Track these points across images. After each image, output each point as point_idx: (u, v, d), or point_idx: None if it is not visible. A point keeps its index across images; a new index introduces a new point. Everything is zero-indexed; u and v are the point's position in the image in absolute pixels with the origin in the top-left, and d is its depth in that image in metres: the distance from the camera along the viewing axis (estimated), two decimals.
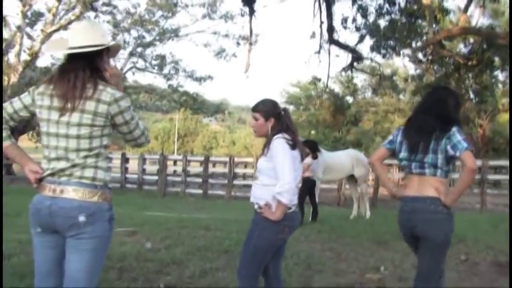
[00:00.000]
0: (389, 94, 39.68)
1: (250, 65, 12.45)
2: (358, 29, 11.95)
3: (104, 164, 2.59)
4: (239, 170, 21.34)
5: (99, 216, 2.52)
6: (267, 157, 3.37)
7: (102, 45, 2.54)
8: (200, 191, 17.34)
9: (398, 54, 13.51)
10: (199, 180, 18.01)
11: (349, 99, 43.81)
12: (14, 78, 22.86)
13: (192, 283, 4.87)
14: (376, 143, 37.82)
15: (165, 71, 25.90)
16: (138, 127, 2.66)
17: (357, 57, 12.05)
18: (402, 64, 28.29)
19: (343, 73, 15.60)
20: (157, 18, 25.05)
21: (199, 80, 26.05)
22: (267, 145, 3.40)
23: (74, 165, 2.50)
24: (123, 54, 26.70)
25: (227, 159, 18.13)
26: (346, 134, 41.49)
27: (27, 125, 23.77)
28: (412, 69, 33.71)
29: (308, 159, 9.86)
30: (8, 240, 6.45)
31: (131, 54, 25.27)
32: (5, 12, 23.27)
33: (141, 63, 25.89)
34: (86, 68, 2.49)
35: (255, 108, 3.51)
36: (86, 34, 2.52)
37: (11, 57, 24.07)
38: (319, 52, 14.53)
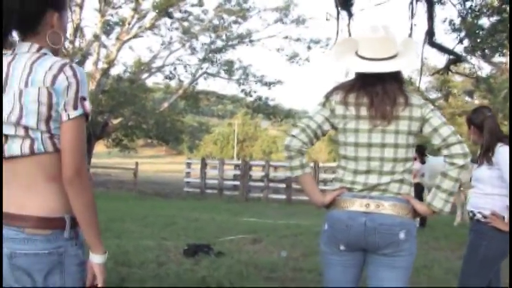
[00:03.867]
0: (455, 96, 38.65)
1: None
2: (457, 29, 11.59)
3: (412, 180, 2.42)
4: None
5: (413, 233, 2.35)
6: (490, 165, 3.32)
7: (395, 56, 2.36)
8: (283, 197, 17.27)
9: (502, 54, 13.06)
10: (282, 185, 17.98)
11: None
12: (92, 86, 23.46)
13: None
14: None
15: (237, 76, 26.01)
16: (452, 132, 2.32)
17: (456, 59, 11.69)
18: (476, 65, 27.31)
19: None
20: (228, 24, 25.23)
21: (269, 84, 26.09)
22: (485, 153, 3.36)
23: (391, 181, 2.32)
24: (190, 60, 27.03)
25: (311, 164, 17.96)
26: None
27: (103, 130, 24.38)
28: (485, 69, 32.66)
29: (417, 165, 9.65)
30: (151, 248, 6.49)
31: (203, 60, 25.49)
32: (83, 23, 24.00)
33: (212, 69, 26.11)
34: (392, 81, 2.34)
35: (470, 118, 3.53)
36: (384, 44, 2.35)
37: (87, 65, 24.78)
38: None
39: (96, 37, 23.47)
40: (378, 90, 2.31)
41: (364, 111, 2.32)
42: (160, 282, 4.73)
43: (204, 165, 19.07)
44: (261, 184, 18.34)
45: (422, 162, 9.71)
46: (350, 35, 13.13)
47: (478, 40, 11.67)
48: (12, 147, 1.66)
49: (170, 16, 22.87)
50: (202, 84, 27.07)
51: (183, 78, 26.69)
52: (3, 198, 1.66)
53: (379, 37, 2.37)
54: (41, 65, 1.65)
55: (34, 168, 1.67)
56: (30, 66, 1.65)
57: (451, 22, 11.74)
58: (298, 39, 24.91)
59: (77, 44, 24.38)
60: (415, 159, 9.66)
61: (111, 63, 23.88)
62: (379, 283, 2.36)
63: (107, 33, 24.83)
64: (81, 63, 24.19)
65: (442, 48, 11.18)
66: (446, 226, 10.24)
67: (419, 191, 9.79)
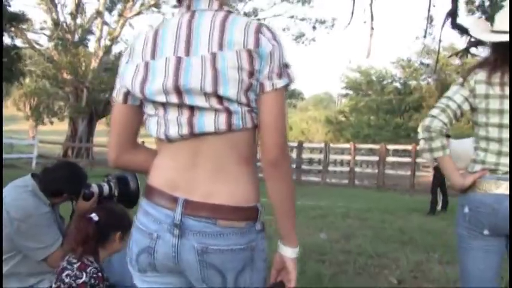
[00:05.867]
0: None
1: (372, 50, 12.05)
2: (483, 11, 11.45)
3: None
4: (314, 156, 21.15)
5: None
6: None
7: None
8: (293, 177, 17.19)
9: None
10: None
11: (412, 83, 42.88)
12: (94, 63, 23.25)
13: (417, 277, 4.67)
14: None
15: None
16: None
17: (476, 42, 11.54)
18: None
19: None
20: (233, 2, 24.93)
21: None
22: None
23: None
24: None
25: (320, 145, 17.95)
26: (408, 120, 40.66)
27: (105, 109, 24.13)
28: None
29: None
30: None
31: None
32: None
33: None
34: None
35: None
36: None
37: (90, 43, 24.48)
38: (424, 37, 14.17)
39: (99, 13, 23.16)
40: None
41: (507, 91, 2.19)
42: None
43: None
44: None
45: None
46: (372, 15, 13.00)
47: None
48: (203, 122, 1.39)
49: None
50: None
51: None
52: (179, 183, 1.43)
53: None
54: (235, 24, 1.39)
55: (226, 147, 1.41)
56: (220, 25, 1.39)
57: (473, 2, 11.59)
58: (303, 19, 24.69)
59: (78, 21, 24.05)
60: None
61: (114, 40, 23.59)
62: None
63: (109, 9, 24.50)
64: (83, 40, 23.92)
65: (464, 30, 11.05)
66: None
67: (441, 174, 9.71)
